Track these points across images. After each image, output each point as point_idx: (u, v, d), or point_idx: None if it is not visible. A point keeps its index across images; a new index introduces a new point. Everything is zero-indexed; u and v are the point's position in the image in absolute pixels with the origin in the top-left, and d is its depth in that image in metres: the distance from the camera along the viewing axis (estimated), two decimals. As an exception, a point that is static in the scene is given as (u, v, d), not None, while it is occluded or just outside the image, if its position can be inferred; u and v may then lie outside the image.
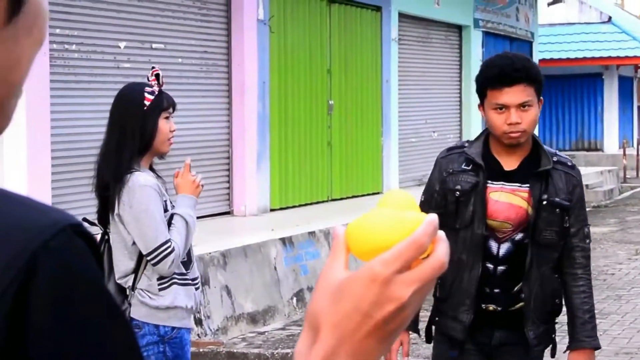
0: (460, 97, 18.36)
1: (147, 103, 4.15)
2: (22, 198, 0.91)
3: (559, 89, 29.07)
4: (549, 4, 24.42)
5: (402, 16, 15.70)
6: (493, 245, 3.90)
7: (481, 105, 3.96)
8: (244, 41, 11.36)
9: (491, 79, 3.86)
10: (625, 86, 31.23)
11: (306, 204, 12.83)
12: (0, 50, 0.97)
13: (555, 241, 3.93)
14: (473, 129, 18.22)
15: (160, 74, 4.19)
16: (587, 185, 19.31)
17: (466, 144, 4.03)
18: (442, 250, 1.02)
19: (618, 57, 27.83)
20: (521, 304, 3.92)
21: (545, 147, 4.01)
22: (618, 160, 26.50)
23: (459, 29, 18.24)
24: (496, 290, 3.94)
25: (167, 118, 4.19)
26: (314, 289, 1.04)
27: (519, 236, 3.91)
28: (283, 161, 12.44)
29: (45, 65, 8.67)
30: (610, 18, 29.51)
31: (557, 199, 3.90)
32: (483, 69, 3.99)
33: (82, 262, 0.90)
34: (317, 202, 13.13)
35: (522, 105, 3.82)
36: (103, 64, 9.64)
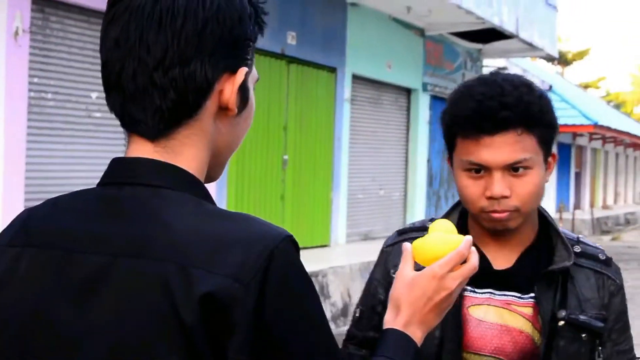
0: (407, 156, 18.86)
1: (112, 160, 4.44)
2: (258, 219, 1.47)
3: (500, 152, 29.85)
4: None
5: (356, 78, 16.23)
6: None
7: (449, 159, 2.42)
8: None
9: (462, 121, 2.30)
10: (564, 153, 32.12)
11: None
12: (233, 129, 1.58)
13: None
14: (418, 190, 18.90)
15: None
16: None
17: (428, 223, 2.37)
18: (474, 258, 1.80)
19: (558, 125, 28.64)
20: None
21: (561, 229, 2.46)
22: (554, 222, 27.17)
23: (408, 92, 18.77)
24: None
25: None
26: (394, 282, 1.81)
27: None
28: (238, 212, 12.83)
29: (23, 111, 9.12)
30: (551, 87, 30.43)
31: (582, 317, 2.34)
32: (452, 101, 2.36)
33: (296, 257, 1.45)
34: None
35: (514, 168, 2.27)
36: (76, 112, 10.06)
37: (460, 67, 21.02)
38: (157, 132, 1.51)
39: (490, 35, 19.66)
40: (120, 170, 1.54)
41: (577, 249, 2.40)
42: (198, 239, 1.41)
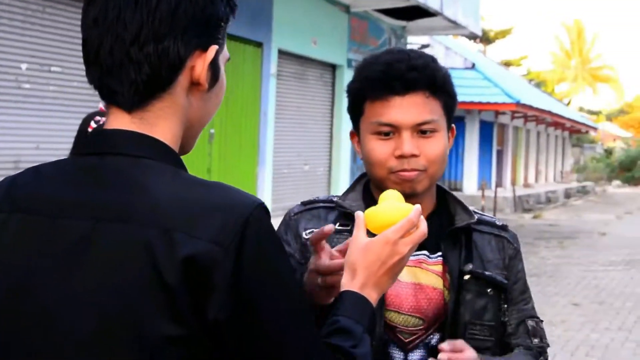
0: (332, 132, 19.03)
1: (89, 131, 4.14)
2: (233, 187, 1.61)
3: (423, 129, 30.05)
4: (417, 49, 25.46)
5: (281, 53, 16.31)
6: (397, 356, 2.43)
7: (355, 132, 2.51)
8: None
9: (371, 83, 2.40)
10: (486, 130, 32.42)
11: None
12: (205, 104, 1.72)
13: (491, 344, 2.49)
14: (342, 165, 19.12)
15: None
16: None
17: (334, 198, 2.54)
18: (423, 225, 1.92)
19: (480, 103, 28.70)
20: None
21: (459, 199, 2.60)
22: (477, 200, 27.31)
23: (333, 67, 18.91)
24: None
25: None
26: (349, 248, 1.91)
27: (435, 338, 2.43)
28: (165, 185, 12.90)
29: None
30: (474, 65, 30.71)
31: (487, 272, 2.48)
32: (361, 68, 2.48)
33: (268, 223, 1.59)
34: (195, 225, 13.58)
35: (422, 131, 2.39)
36: (5, 83, 10.09)
37: (385, 44, 21.22)
38: (133, 103, 1.64)
39: (415, 12, 19.89)
40: (101, 141, 1.65)
41: (475, 217, 2.53)
42: (179, 205, 1.53)
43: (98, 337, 1.51)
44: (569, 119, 40.27)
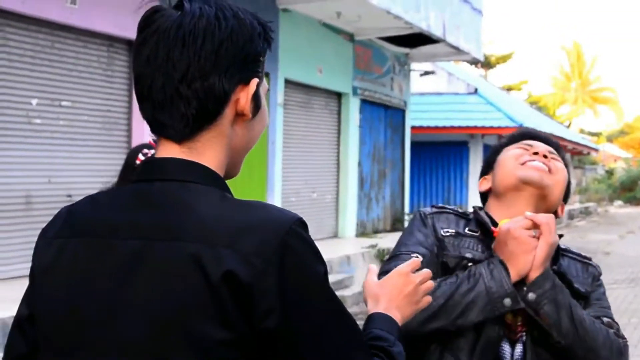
0: (338, 160, 19.13)
1: (138, 163, 4.16)
2: (272, 205, 1.73)
3: (427, 155, 30.10)
4: (421, 75, 25.51)
5: (288, 82, 16.43)
6: (506, 350, 2.68)
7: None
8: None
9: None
10: (489, 154, 32.52)
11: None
12: (248, 132, 1.83)
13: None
14: (349, 192, 19.15)
15: None
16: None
17: (459, 210, 2.93)
18: (426, 270, 2.15)
19: (483, 127, 28.75)
20: None
21: None
22: (482, 224, 27.51)
23: (338, 95, 19.02)
24: None
25: None
26: (365, 287, 2.14)
27: (524, 336, 2.70)
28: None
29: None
30: (476, 90, 30.80)
31: (571, 278, 2.81)
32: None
33: (307, 235, 1.70)
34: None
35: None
36: (16, 118, 10.14)
37: (389, 71, 21.32)
38: (183, 135, 1.76)
39: (418, 39, 19.98)
40: (151, 169, 1.78)
41: (563, 246, 2.88)
42: (224, 224, 1.66)
43: (152, 339, 1.64)
44: (570, 141, 40.33)
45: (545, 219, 2.64)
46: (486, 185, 2.93)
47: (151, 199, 1.72)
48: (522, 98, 59.48)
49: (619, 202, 52.91)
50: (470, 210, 2.92)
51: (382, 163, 21.37)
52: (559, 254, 2.81)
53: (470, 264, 2.69)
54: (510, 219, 2.68)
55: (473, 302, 2.58)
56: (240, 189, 15.27)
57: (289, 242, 1.65)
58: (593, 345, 2.63)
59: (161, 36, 1.74)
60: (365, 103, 20.11)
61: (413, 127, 25.10)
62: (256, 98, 1.82)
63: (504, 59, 57.85)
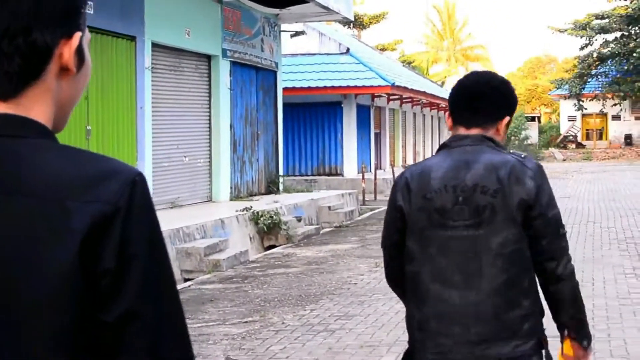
0: (210, 123, 19.05)
1: None
2: (113, 158, 1.72)
3: (301, 116, 30.19)
4: (291, 36, 25.53)
5: (155, 46, 16.25)
6: None
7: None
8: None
9: None
10: (363, 114, 32.72)
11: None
12: (74, 86, 1.82)
13: None
14: (222, 156, 19.06)
15: None
16: (329, 207, 20.47)
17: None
18: None
19: (356, 87, 29.08)
20: None
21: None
22: (357, 184, 27.67)
23: (208, 58, 18.92)
24: None
25: None
26: None
27: None
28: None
29: None
30: (348, 49, 30.96)
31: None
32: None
33: (147, 191, 1.70)
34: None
35: None
36: None
37: (259, 33, 21.26)
38: (8, 92, 1.74)
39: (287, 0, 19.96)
40: None
41: None
42: (69, 177, 1.66)
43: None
44: (443, 99, 40.89)
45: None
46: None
47: None
48: (395, 57, 59.97)
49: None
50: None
51: (255, 125, 21.32)
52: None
53: None
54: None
55: None
56: (109, 154, 15.05)
57: (135, 190, 1.68)
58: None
59: None
60: (236, 65, 20.03)
61: (285, 89, 25.12)
62: (80, 51, 1.82)
63: (377, 18, 58.28)
